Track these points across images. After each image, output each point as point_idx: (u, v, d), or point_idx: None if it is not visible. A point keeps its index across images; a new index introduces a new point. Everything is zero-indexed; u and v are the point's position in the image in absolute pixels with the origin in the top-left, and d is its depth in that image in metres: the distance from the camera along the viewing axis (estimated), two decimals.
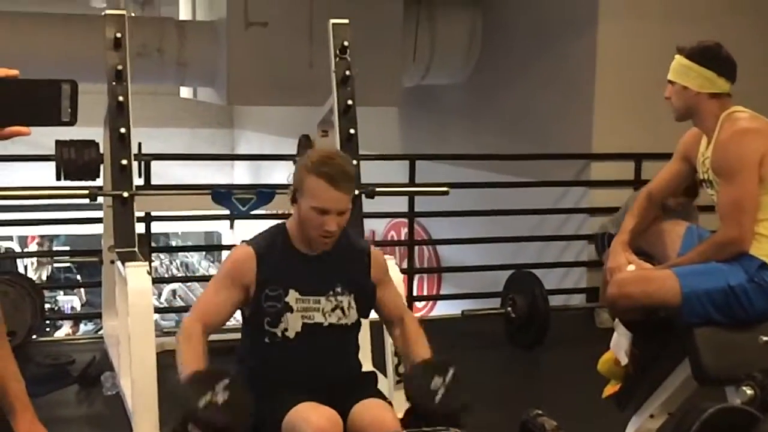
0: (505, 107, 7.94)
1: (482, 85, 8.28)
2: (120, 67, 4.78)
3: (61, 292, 12.83)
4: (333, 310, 2.83)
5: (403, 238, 7.98)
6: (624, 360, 3.47)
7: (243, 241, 2.94)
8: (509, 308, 5.86)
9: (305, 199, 2.75)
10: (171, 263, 15.10)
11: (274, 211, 5.83)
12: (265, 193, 5.04)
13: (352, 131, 5.15)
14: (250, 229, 5.44)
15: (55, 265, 13.15)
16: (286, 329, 2.78)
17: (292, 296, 2.79)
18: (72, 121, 1.39)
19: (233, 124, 14.18)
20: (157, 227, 6.29)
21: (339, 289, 2.83)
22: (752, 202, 3.16)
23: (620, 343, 3.49)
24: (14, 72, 1.40)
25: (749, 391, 2.78)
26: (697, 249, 3.29)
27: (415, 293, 7.96)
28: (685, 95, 3.26)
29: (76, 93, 1.39)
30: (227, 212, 5.61)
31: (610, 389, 3.57)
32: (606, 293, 3.38)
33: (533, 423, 1.39)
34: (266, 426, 2.68)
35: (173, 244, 14.25)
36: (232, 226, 8.58)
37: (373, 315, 3.05)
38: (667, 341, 3.34)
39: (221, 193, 5.01)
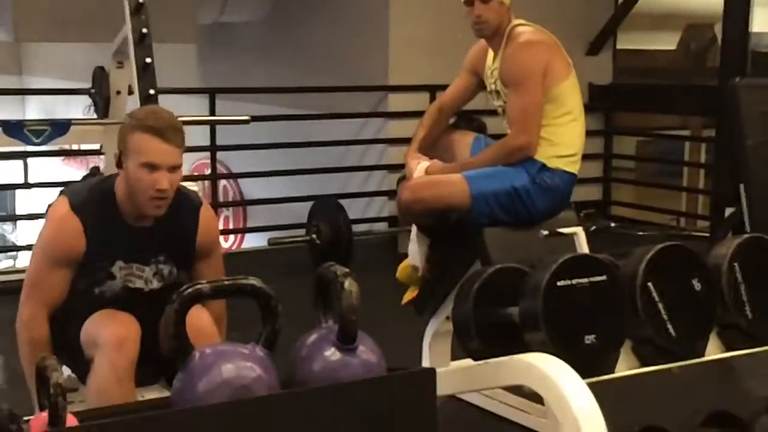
0: (304, 44, 7.97)
1: (281, 22, 8.27)
2: None
3: None
4: (154, 275, 2.76)
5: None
6: (420, 265, 3.63)
7: (62, 193, 2.76)
8: (314, 236, 5.98)
9: (132, 158, 2.57)
10: None
11: (72, 146, 5.69)
12: (59, 123, 4.92)
13: (148, 60, 5.05)
14: (49, 192, 5.16)
15: None
16: (104, 291, 2.71)
17: (117, 266, 2.71)
18: None
19: (21, 70, 13.50)
20: None
21: (162, 258, 2.76)
22: (538, 109, 3.34)
23: (416, 249, 3.65)
24: None
25: None
26: (487, 152, 3.44)
27: (221, 228, 7.97)
28: (501, 10, 3.38)
29: None
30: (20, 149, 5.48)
31: (409, 295, 3.69)
32: (399, 199, 3.51)
33: (327, 271, 1.50)
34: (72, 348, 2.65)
35: None
36: (26, 174, 8.21)
37: None
38: (460, 244, 3.46)
39: (12, 125, 4.86)
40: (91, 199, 2.69)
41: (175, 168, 2.59)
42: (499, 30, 3.41)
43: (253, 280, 1.49)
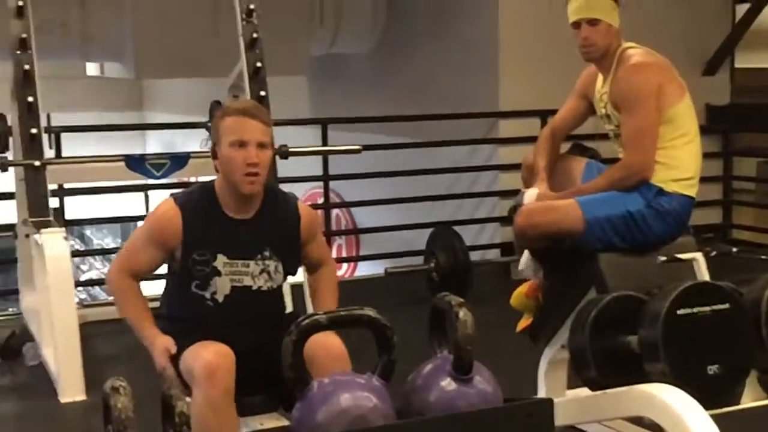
0: (413, 72, 8.04)
1: (390, 53, 8.36)
2: (24, 36, 4.75)
3: None
4: (261, 273, 2.81)
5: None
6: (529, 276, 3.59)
7: (171, 195, 2.89)
8: (432, 264, 5.95)
9: (223, 142, 2.72)
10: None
11: (192, 179, 5.85)
12: (179, 157, 5.06)
13: (262, 93, 5.18)
14: None
15: None
16: (215, 292, 2.78)
17: (221, 260, 2.77)
18: None
19: (143, 105, 14.01)
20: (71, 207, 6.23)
21: (267, 254, 2.82)
22: (653, 131, 3.29)
23: (528, 273, 3.62)
24: None
25: None
26: (603, 176, 3.40)
27: (334, 256, 8.06)
28: (610, 33, 3.34)
29: None
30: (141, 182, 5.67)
31: (524, 323, 3.65)
32: (514, 224, 3.49)
33: (442, 301, 1.50)
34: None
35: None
36: (147, 203, 8.49)
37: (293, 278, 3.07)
38: (574, 270, 3.43)
39: (135, 159, 5.01)
40: (191, 193, 2.86)
41: (262, 145, 2.71)
42: (608, 53, 3.38)
43: (369, 311, 1.51)
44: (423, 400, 1.47)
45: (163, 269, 2.97)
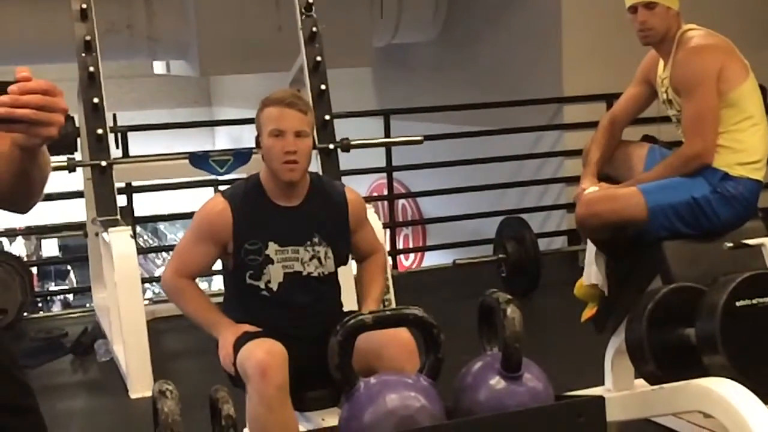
0: (475, 61, 7.98)
1: (452, 41, 8.31)
2: (88, 38, 4.84)
3: (52, 284, 12.92)
4: (311, 259, 2.84)
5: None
6: (592, 281, 3.55)
7: (217, 191, 2.98)
8: (501, 255, 5.88)
9: (263, 132, 2.79)
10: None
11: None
12: (241, 153, 5.10)
13: (323, 87, 5.21)
14: None
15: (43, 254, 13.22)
16: (269, 281, 2.81)
17: (272, 248, 2.80)
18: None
19: (211, 101, 14.16)
20: (140, 205, 6.33)
21: (316, 240, 2.84)
22: (713, 115, 3.21)
23: (592, 266, 3.57)
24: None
25: None
26: (663, 163, 3.33)
27: (400, 248, 8.08)
28: (668, 16, 3.27)
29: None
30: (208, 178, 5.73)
31: (588, 312, 3.61)
32: (576, 214, 3.44)
33: (490, 298, 1.48)
34: None
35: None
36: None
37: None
38: (638, 258, 3.38)
39: (199, 157, 5.07)
40: (238, 187, 2.90)
41: (300, 134, 2.76)
42: (667, 36, 3.30)
43: (415, 310, 1.49)
44: (472, 399, 1.45)
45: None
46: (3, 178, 1.55)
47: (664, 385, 1.72)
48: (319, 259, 2.85)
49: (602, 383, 3.63)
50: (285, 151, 2.74)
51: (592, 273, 3.56)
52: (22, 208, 1.62)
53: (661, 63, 3.41)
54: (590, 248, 3.55)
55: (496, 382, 1.45)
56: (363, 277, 3.04)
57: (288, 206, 2.84)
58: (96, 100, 4.80)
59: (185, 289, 2.89)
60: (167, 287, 2.93)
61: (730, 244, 3.22)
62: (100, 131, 4.79)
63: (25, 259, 9.31)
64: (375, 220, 3.82)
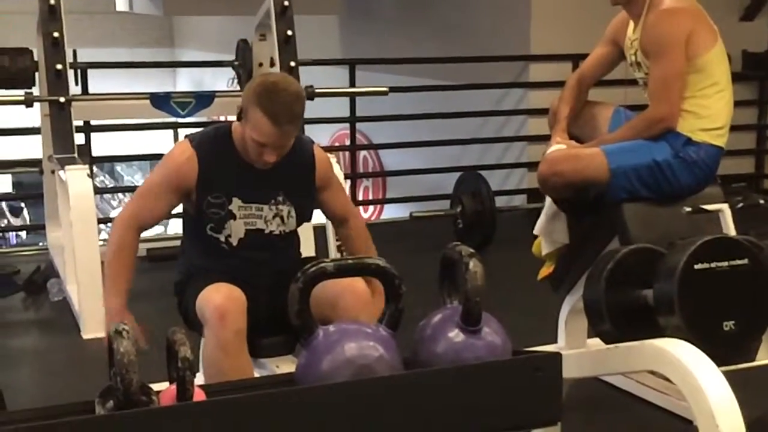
0: (444, 14, 7.92)
1: None
2: None
3: (5, 220, 12.74)
4: (274, 217, 2.81)
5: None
6: (549, 246, 3.58)
7: (186, 137, 2.88)
8: (458, 209, 5.91)
9: (248, 126, 2.65)
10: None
11: (217, 118, 5.84)
12: (204, 96, 5.06)
13: (289, 33, 5.16)
14: None
15: None
16: (229, 236, 2.78)
17: (236, 204, 2.77)
18: None
19: (174, 42, 13.93)
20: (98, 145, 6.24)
21: (280, 198, 2.81)
22: (680, 80, 3.22)
23: (550, 226, 3.59)
24: None
25: None
26: (627, 125, 3.35)
27: (361, 199, 8.07)
28: None
29: None
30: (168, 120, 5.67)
31: (545, 271, 3.65)
32: (538, 172, 3.45)
33: (452, 251, 1.48)
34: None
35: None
36: (176, 140, 8.52)
37: (317, 219, 3.07)
38: (598, 219, 3.40)
39: (160, 97, 5.02)
40: (206, 135, 2.83)
41: (284, 146, 2.67)
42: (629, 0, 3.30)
43: (378, 260, 1.49)
44: (430, 350, 1.46)
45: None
46: None
47: (619, 345, 1.74)
48: (281, 217, 2.82)
49: (554, 341, 3.68)
50: (264, 160, 2.68)
51: (552, 232, 3.59)
52: None
53: (631, 25, 3.40)
54: (549, 207, 3.57)
55: (455, 335, 1.45)
56: (351, 248, 2.98)
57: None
58: (56, 34, 4.70)
59: (124, 249, 2.78)
60: (115, 230, 2.82)
61: (689, 209, 3.26)
62: (59, 66, 4.71)
63: None
64: (336, 166, 3.78)
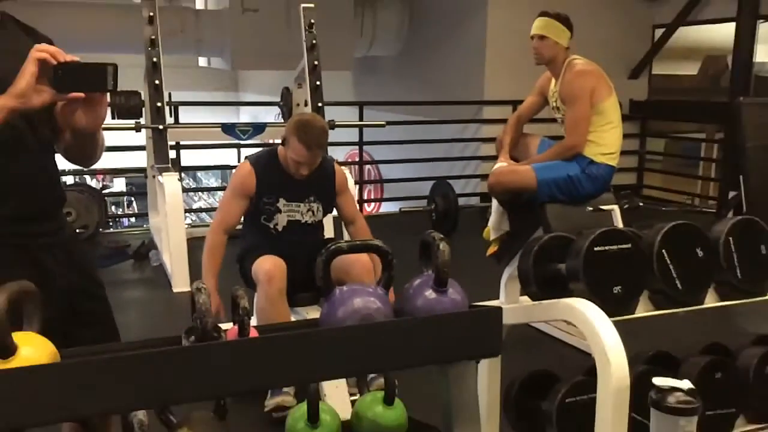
0: (426, 70, 7.92)
1: (409, 55, 8.23)
2: (153, 37, 4.71)
3: (121, 210, 12.72)
4: (307, 212, 2.83)
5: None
6: (495, 232, 3.58)
7: (246, 158, 2.89)
8: (433, 206, 5.93)
9: (290, 150, 2.68)
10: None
11: (267, 141, 5.82)
12: (258, 126, 5.05)
13: (318, 83, 5.15)
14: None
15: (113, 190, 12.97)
16: (276, 224, 2.80)
17: (282, 202, 2.79)
18: (114, 89, 1.30)
19: (238, 88, 13.91)
20: (186, 158, 6.21)
21: (312, 198, 2.83)
22: (587, 120, 3.24)
23: (495, 218, 3.59)
24: (74, 57, 1.33)
25: None
26: (550, 150, 3.36)
27: (365, 198, 8.05)
28: (555, 47, 3.26)
29: (117, 71, 1.32)
30: (233, 142, 5.64)
31: (492, 250, 3.66)
32: (488, 182, 3.45)
33: (428, 236, 1.48)
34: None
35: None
36: (239, 157, 8.51)
37: (335, 213, 3.06)
38: (528, 215, 3.41)
39: (228, 126, 5.00)
40: (261, 155, 2.83)
41: (315, 163, 2.70)
42: (556, 62, 3.29)
43: (377, 241, 1.49)
44: (412, 305, 1.46)
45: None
46: (75, 152, 1.52)
47: (542, 302, 1.74)
48: (312, 211, 2.85)
49: (498, 298, 3.69)
50: (300, 172, 2.70)
51: (495, 221, 3.59)
52: (87, 165, 1.59)
53: (553, 81, 3.41)
54: (495, 206, 3.58)
55: (429, 293, 1.45)
56: (356, 236, 2.97)
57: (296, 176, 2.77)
58: (157, 82, 4.69)
59: (215, 249, 2.77)
60: (210, 236, 2.81)
61: (591, 209, 3.27)
62: (159, 104, 4.69)
63: (102, 191, 9.14)
64: (349, 177, 3.79)
